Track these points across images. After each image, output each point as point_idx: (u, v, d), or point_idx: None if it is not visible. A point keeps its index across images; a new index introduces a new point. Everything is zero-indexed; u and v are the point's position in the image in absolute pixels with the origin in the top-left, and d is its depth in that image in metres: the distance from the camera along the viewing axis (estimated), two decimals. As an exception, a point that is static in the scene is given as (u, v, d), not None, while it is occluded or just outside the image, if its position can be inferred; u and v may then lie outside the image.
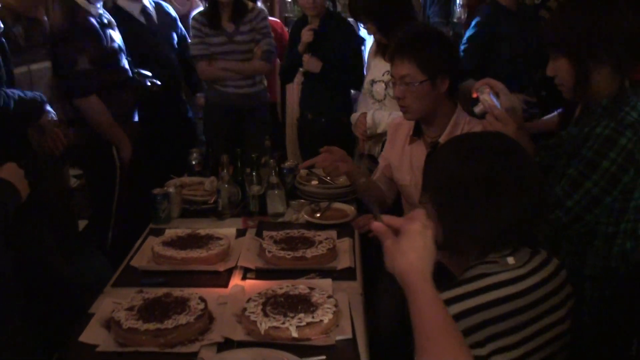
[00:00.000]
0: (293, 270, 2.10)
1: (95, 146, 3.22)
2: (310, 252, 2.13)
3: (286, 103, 5.01)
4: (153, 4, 3.75)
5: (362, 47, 3.84)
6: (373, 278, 2.30)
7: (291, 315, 1.71)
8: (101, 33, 3.12)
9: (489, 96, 1.92)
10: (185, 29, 3.94)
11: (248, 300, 1.80)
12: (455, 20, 4.75)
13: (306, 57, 3.59)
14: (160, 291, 1.87)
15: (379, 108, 3.12)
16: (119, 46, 3.26)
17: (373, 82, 3.15)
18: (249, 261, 2.16)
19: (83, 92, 3.09)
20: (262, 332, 1.67)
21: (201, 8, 4.06)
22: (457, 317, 1.37)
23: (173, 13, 3.91)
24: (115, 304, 1.83)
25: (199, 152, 3.08)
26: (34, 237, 2.35)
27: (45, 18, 2.95)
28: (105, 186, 3.29)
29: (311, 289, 1.86)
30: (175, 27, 3.88)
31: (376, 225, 1.28)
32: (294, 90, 4.59)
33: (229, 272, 2.12)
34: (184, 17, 4.11)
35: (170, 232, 2.35)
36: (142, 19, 3.62)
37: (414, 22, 3.03)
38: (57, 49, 2.96)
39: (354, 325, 1.76)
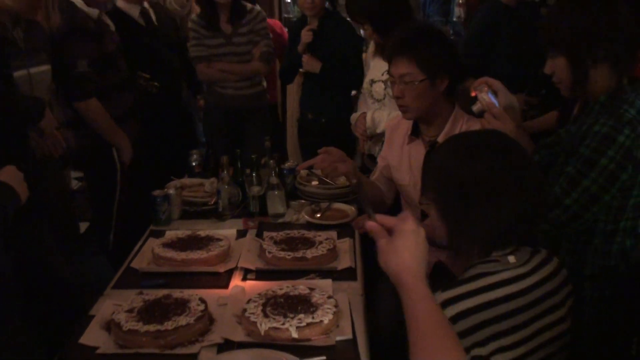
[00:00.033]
0: (293, 270, 2.09)
1: (96, 148, 3.23)
2: (310, 253, 2.13)
3: (287, 103, 5.02)
4: (153, 6, 3.76)
5: (362, 47, 3.84)
6: (373, 278, 2.29)
7: (291, 315, 1.71)
8: (101, 36, 3.12)
9: (488, 95, 1.92)
10: (185, 30, 3.94)
11: (248, 301, 1.80)
12: (454, 19, 4.76)
13: (306, 58, 3.59)
14: (161, 293, 1.87)
15: (379, 108, 3.12)
16: (119, 49, 3.27)
17: (372, 81, 3.14)
18: (249, 262, 2.16)
19: (83, 94, 3.09)
20: (262, 332, 1.67)
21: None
22: (458, 316, 1.37)
23: (172, 15, 3.91)
24: (116, 305, 1.83)
25: (199, 154, 3.08)
26: (33, 239, 2.35)
27: (45, 21, 2.96)
28: (105, 188, 3.30)
29: (311, 289, 1.86)
30: (175, 29, 3.88)
31: (370, 224, 1.28)
32: (294, 91, 4.60)
33: (229, 273, 2.12)
34: (183, 19, 4.11)
35: (170, 234, 2.35)
36: (141, 21, 3.62)
37: (413, 21, 3.03)
38: (56, 52, 2.97)
39: (354, 326, 1.76)
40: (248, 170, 2.65)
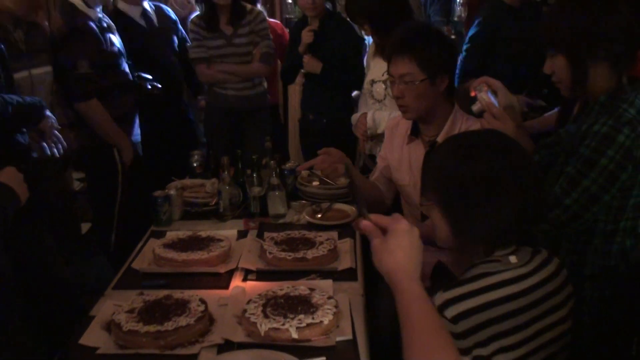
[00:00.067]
0: (294, 271, 2.09)
1: (97, 149, 3.24)
2: (311, 253, 2.13)
3: (289, 104, 5.02)
4: (153, 7, 3.76)
5: (362, 48, 3.84)
6: (374, 279, 2.29)
7: (291, 316, 1.70)
8: (101, 37, 3.13)
9: (487, 94, 1.92)
10: (185, 31, 3.95)
11: (248, 302, 1.80)
12: (455, 19, 4.75)
13: (306, 58, 3.59)
14: (161, 293, 1.87)
15: (379, 108, 3.12)
16: (119, 50, 3.28)
17: (373, 82, 3.15)
18: (249, 263, 2.16)
19: (84, 95, 3.10)
20: (262, 333, 1.67)
21: (201, 11, 4.07)
22: (460, 316, 1.37)
23: (173, 16, 3.92)
24: (116, 306, 1.84)
25: (200, 154, 3.08)
26: (33, 239, 2.36)
27: (46, 23, 2.97)
28: (107, 189, 3.31)
29: (311, 290, 1.86)
30: (176, 30, 3.89)
31: (364, 224, 1.29)
32: (296, 92, 4.60)
33: (230, 274, 2.12)
34: (184, 20, 4.11)
35: (171, 234, 2.35)
36: (142, 23, 3.63)
37: (412, 20, 3.03)
38: (57, 53, 2.98)
39: (354, 326, 1.75)
40: (249, 171, 2.65)
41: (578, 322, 1.63)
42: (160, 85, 3.48)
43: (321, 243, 2.20)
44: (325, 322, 1.69)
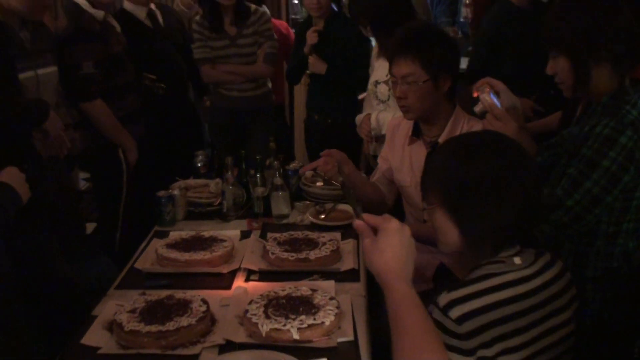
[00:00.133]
0: (296, 272, 2.09)
1: (102, 149, 3.24)
2: (313, 254, 2.13)
3: (294, 105, 5.02)
4: (159, 7, 3.77)
5: (368, 48, 3.83)
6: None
7: (292, 317, 1.70)
8: (106, 37, 3.14)
9: (489, 95, 1.92)
10: (191, 32, 3.96)
11: (250, 302, 1.80)
12: (461, 19, 4.74)
13: (311, 59, 3.59)
14: (163, 293, 1.87)
15: (383, 109, 3.11)
16: (125, 50, 3.28)
17: (377, 83, 3.14)
18: (252, 263, 2.16)
19: (89, 96, 3.11)
20: (264, 334, 1.67)
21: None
22: (465, 317, 1.36)
23: (179, 16, 3.93)
24: (118, 306, 1.84)
25: (204, 155, 3.08)
26: (35, 239, 2.36)
27: (51, 22, 2.97)
28: (112, 189, 3.32)
29: (313, 290, 1.85)
30: (181, 31, 3.90)
31: (357, 223, 1.29)
32: (301, 92, 4.60)
33: (233, 274, 2.12)
34: (190, 21, 4.12)
35: (174, 235, 2.36)
36: (148, 23, 3.63)
37: (414, 21, 3.02)
38: (62, 54, 2.99)
39: (356, 327, 1.75)
40: (252, 171, 2.65)
41: (580, 323, 1.62)
42: (165, 86, 3.48)
43: (324, 244, 2.20)
44: (327, 323, 1.69)
